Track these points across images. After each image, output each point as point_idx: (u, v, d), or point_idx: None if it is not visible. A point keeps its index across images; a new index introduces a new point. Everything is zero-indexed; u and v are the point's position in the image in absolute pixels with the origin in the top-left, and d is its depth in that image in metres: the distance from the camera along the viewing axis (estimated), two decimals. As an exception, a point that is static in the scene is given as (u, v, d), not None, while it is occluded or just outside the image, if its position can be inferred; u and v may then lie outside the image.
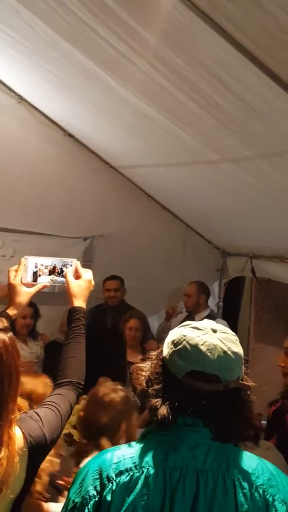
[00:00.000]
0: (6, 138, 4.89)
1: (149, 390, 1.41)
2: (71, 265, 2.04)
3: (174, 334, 1.46)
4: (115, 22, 2.73)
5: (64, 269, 2.03)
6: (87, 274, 2.03)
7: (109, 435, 2.55)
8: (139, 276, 5.46)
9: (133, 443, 1.43)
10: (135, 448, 1.41)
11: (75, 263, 2.04)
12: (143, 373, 1.46)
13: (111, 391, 2.66)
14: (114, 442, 2.54)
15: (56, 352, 3.60)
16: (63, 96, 4.37)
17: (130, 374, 4.38)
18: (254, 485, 1.34)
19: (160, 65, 2.92)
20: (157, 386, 1.40)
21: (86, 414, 2.62)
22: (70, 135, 5.16)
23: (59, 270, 2.04)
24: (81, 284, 1.99)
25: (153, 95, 3.37)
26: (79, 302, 1.95)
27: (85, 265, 2.09)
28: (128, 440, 2.55)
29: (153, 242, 5.61)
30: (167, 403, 1.36)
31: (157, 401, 1.38)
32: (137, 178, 5.44)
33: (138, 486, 1.33)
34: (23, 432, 1.55)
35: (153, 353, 1.49)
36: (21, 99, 4.87)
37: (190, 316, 4.95)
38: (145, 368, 1.47)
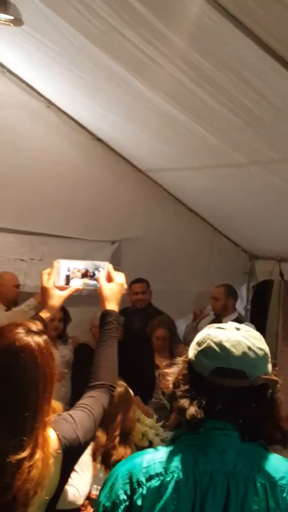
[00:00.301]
0: (35, 143, 4.94)
1: (177, 392, 1.41)
2: (103, 268, 2.03)
3: (198, 336, 1.47)
4: (144, 26, 2.74)
5: (96, 272, 2.03)
6: (120, 278, 2.02)
7: (104, 426, 2.72)
8: (166, 279, 5.47)
9: (162, 447, 1.43)
10: (164, 452, 1.40)
11: (108, 266, 2.04)
12: (170, 377, 1.46)
13: None
14: (110, 433, 2.77)
15: (86, 355, 3.62)
16: (91, 100, 4.40)
17: (158, 377, 4.39)
18: (286, 489, 1.32)
19: (188, 68, 2.92)
20: (184, 387, 1.40)
21: None
22: (98, 139, 5.19)
23: (91, 273, 2.03)
24: (113, 287, 1.98)
25: (181, 98, 3.37)
26: (112, 305, 1.94)
27: (114, 268, 2.09)
28: (124, 432, 2.81)
29: (180, 245, 5.60)
30: (194, 402, 1.36)
31: (184, 402, 1.37)
32: (164, 181, 5.44)
33: (168, 491, 1.32)
34: (57, 434, 1.56)
35: (180, 358, 1.50)
36: (50, 103, 4.92)
37: (218, 319, 4.91)
38: (171, 372, 1.47)
